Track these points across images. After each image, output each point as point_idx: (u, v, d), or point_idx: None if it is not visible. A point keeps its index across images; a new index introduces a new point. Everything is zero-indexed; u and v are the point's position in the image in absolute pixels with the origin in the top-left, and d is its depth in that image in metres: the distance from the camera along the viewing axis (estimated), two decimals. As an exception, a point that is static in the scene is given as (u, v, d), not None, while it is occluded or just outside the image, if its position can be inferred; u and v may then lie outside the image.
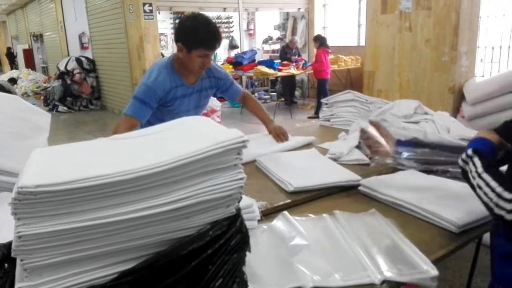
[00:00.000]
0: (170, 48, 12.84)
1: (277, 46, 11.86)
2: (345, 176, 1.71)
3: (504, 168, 1.13)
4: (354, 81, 8.72)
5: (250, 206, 1.25)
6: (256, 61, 8.83)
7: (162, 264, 0.81)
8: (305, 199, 1.57)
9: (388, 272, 1.05)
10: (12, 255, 0.76)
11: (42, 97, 10.55)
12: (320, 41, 7.64)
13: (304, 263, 1.09)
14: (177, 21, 12.38)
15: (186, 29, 1.91)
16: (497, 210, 0.96)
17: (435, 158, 1.48)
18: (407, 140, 1.45)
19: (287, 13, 11.04)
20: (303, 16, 10.27)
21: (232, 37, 12.84)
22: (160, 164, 0.80)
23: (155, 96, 1.95)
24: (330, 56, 7.87)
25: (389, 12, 4.35)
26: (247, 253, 0.92)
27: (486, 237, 2.00)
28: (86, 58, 10.04)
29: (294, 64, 8.53)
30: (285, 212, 1.37)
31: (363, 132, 1.52)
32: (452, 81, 3.96)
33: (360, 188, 1.62)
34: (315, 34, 8.48)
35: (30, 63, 15.42)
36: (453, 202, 1.37)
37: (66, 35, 10.41)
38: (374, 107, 2.52)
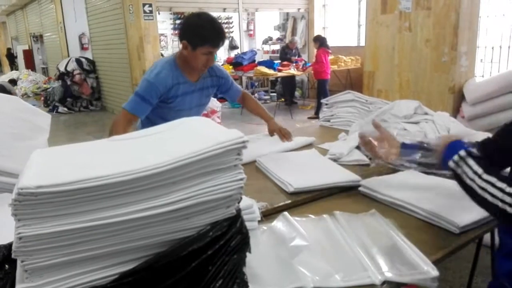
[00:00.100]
0: (170, 49, 12.86)
1: (277, 47, 11.87)
2: (345, 176, 1.71)
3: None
4: (354, 81, 8.73)
5: (250, 207, 1.25)
6: (256, 62, 8.84)
7: (162, 265, 0.81)
8: (305, 200, 1.57)
9: (388, 273, 1.05)
10: (13, 256, 0.76)
11: (42, 98, 10.56)
12: (320, 41, 7.65)
13: (305, 264, 1.09)
14: (177, 21, 12.51)
15: (192, 26, 1.94)
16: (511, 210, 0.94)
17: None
18: (413, 143, 1.43)
19: (287, 14, 11.05)
20: (303, 16, 10.27)
21: (232, 37, 12.85)
22: (160, 164, 0.80)
23: (156, 92, 1.96)
24: (330, 57, 7.87)
25: (389, 12, 4.36)
26: (247, 253, 0.92)
27: (487, 237, 2.01)
28: (86, 59, 10.05)
29: (294, 64, 8.53)
30: (285, 213, 1.37)
31: (362, 137, 1.50)
32: (452, 81, 3.96)
33: (360, 188, 1.62)
34: (315, 34, 8.49)
35: (30, 64, 15.43)
36: (454, 202, 1.37)
37: (66, 36, 10.42)
38: (374, 107, 2.52)
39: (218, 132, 0.94)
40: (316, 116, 7.10)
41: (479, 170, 1.03)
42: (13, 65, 17.92)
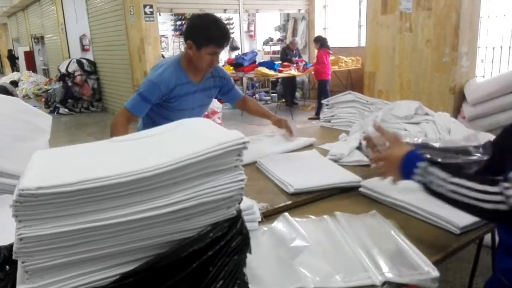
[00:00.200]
0: (171, 50, 12.86)
1: (277, 47, 11.88)
2: (345, 177, 1.71)
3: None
4: (354, 82, 8.73)
5: (251, 208, 1.25)
6: (256, 62, 8.85)
7: (163, 266, 0.81)
8: (306, 201, 1.57)
9: (389, 273, 1.05)
10: (14, 257, 0.76)
11: (43, 99, 10.58)
12: (321, 42, 7.65)
13: (305, 265, 1.09)
14: (178, 22, 12.51)
15: (197, 26, 1.97)
16: (489, 206, 0.95)
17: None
18: (417, 144, 1.42)
19: (288, 14, 11.05)
20: (303, 17, 10.28)
21: (233, 38, 12.86)
22: (161, 165, 0.80)
23: (159, 92, 1.98)
24: (331, 57, 7.87)
25: (389, 13, 4.36)
26: (248, 254, 0.92)
27: (487, 238, 2.01)
28: (87, 60, 10.07)
29: (294, 65, 8.54)
30: (286, 214, 1.37)
31: (368, 139, 1.50)
32: (453, 81, 3.96)
33: (360, 189, 1.62)
34: (316, 35, 8.49)
35: (31, 65, 15.45)
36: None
37: (67, 37, 10.43)
38: (374, 108, 2.52)
39: (218, 133, 0.94)
40: (317, 116, 7.10)
41: (445, 175, 1.03)
42: (14, 67, 17.95)
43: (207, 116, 5.17)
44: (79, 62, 9.83)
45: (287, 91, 9.30)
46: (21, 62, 16.37)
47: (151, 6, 7.46)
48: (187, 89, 2.07)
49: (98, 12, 9.39)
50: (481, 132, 2.14)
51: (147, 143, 0.97)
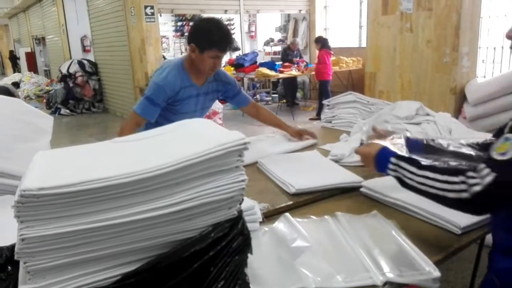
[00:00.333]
0: (171, 51, 12.88)
1: (278, 48, 11.88)
2: (347, 177, 1.71)
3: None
4: (355, 82, 8.73)
5: (252, 208, 1.26)
6: (257, 63, 8.85)
7: (165, 266, 0.81)
8: (307, 201, 1.57)
9: (390, 274, 1.05)
10: (16, 257, 0.76)
11: (44, 100, 10.60)
12: (322, 42, 7.65)
13: (306, 265, 1.09)
14: (178, 23, 12.52)
15: (200, 30, 1.98)
16: (453, 195, 0.98)
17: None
18: (418, 140, 1.44)
19: (288, 15, 11.06)
20: (304, 17, 10.28)
21: (234, 39, 12.87)
22: (162, 166, 0.80)
23: (164, 95, 1.99)
24: (332, 58, 7.87)
25: (390, 13, 4.36)
26: (249, 255, 0.92)
27: (488, 238, 2.00)
28: (88, 61, 10.08)
29: (295, 65, 8.54)
30: (287, 214, 1.37)
31: (374, 130, 1.53)
32: (454, 82, 3.96)
33: (362, 189, 1.62)
34: (316, 35, 8.49)
35: (32, 66, 15.48)
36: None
37: (68, 38, 10.45)
38: (375, 108, 2.53)
39: (219, 134, 0.94)
40: (318, 117, 7.09)
41: (414, 169, 1.09)
42: (16, 68, 17.98)
43: (208, 117, 5.17)
44: (80, 63, 9.84)
45: (288, 92, 9.30)
46: (23, 63, 16.40)
47: (152, 7, 7.47)
48: (190, 92, 2.08)
49: (99, 13, 9.40)
50: (482, 133, 2.14)
51: (149, 144, 0.98)
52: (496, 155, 0.91)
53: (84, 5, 9.96)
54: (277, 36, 12.35)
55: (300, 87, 10.07)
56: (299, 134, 2.30)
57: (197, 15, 11.53)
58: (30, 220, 0.75)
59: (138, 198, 0.80)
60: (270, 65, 8.62)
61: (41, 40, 14.60)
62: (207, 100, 2.21)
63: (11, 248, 0.91)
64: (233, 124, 7.33)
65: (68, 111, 9.75)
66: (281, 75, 8.32)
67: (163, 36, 11.78)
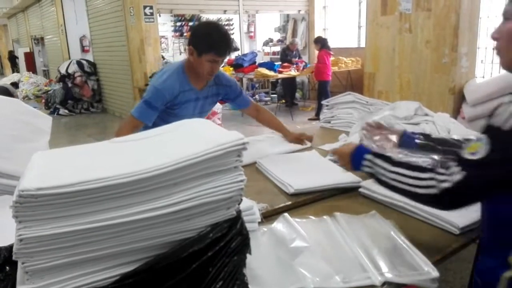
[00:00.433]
0: (170, 51, 12.87)
1: (277, 48, 11.88)
2: (345, 178, 1.71)
3: None
4: (354, 82, 8.73)
5: (251, 208, 1.26)
6: (256, 63, 8.84)
7: (163, 266, 0.81)
8: (306, 201, 1.57)
9: (388, 274, 1.06)
10: (14, 258, 0.76)
11: (43, 100, 10.58)
12: (321, 43, 7.64)
13: (305, 265, 1.09)
14: (178, 23, 12.51)
15: (199, 33, 1.98)
16: (422, 191, 1.00)
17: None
18: (415, 133, 1.47)
19: (288, 15, 11.06)
20: (303, 18, 10.28)
21: (233, 39, 12.86)
22: (161, 166, 0.80)
23: (163, 99, 1.98)
24: (331, 58, 7.87)
25: (389, 14, 4.36)
26: (248, 255, 0.93)
27: (487, 238, 2.00)
28: (87, 61, 10.06)
29: (294, 66, 8.54)
30: (286, 214, 1.37)
31: (369, 125, 1.55)
32: (453, 82, 3.97)
33: (360, 190, 1.62)
34: (316, 36, 8.47)
35: (31, 66, 15.45)
36: (454, 203, 1.37)
37: (67, 38, 10.43)
38: (374, 108, 2.53)
39: (218, 134, 0.94)
40: (317, 117, 7.09)
41: (386, 165, 1.11)
42: (15, 68, 17.95)
43: (207, 117, 5.17)
44: (79, 63, 9.83)
45: (287, 92, 9.31)
46: (21, 63, 16.37)
47: (151, 7, 7.46)
48: (189, 96, 2.06)
49: (98, 13, 9.39)
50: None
51: (147, 144, 0.98)
52: (467, 155, 0.93)
53: (83, 5, 9.95)
54: (276, 36, 12.35)
55: (299, 87, 10.07)
56: (298, 140, 2.29)
57: (196, 15, 11.56)
58: (29, 220, 0.75)
59: (136, 198, 0.80)
60: (269, 65, 8.62)
61: (39, 40, 14.58)
62: (206, 104, 2.20)
63: (9, 248, 0.90)
64: (232, 124, 7.33)
65: (66, 111, 9.73)
66: (280, 76, 8.32)
67: (162, 36, 11.77)
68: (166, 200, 0.82)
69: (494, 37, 1.07)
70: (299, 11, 9.98)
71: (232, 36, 2.54)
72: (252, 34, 13.79)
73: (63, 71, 9.77)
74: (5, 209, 0.80)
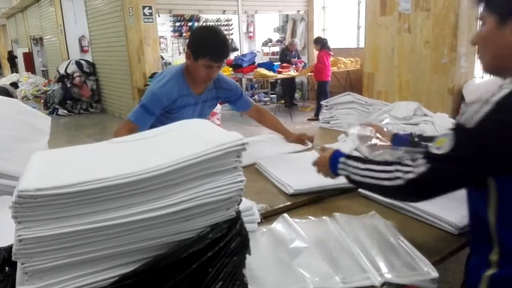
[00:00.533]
0: (170, 51, 12.86)
1: (276, 49, 11.89)
2: (345, 178, 1.71)
3: None
4: (353, 82, 8.74)
5: (250, 209, 1.26)
6: (255, 64, 8.84)
7: (162, 267, 0.81)
8: (305, 202, 1.57)
9: (388, 274, 1.06)
10: (13, 258, 0.76)
11: (42, 101, 10.57)
12: (321, 43, 7.64)
13: (304, 266, 1.09)
14: (177, 24, 12.50)
15: (196, 37, 1.96)
16: (388, 183, 1.03)
17: None
18: (405, 134, 1.50)
19: (287, 16, 11.06)
20: (302, 18, 10.29)
21: (232, 39, 12.87)
22: (161, 167, 0.80)
23: (160, 104, 1.96)
24: (331, 58, 7.87)
25: (388, 14, 4.37)
26: (247, 255, 0.92)
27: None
28: (86, 61, 10.06)
29: (293, 66, 8.54)
30: (285, 215, 1.37)
31: (361, 137, 1.60)
32: (452, 82, 3.97)
33: (360, 190, 1.62)
34: (315, 36, 8.47)
35: (30, 67, 15.44)
36: (453, 203, 1.37)
37: (66, 39, 10.43)
38: (373, 109, 2.53)
39: (218, 134, 0.94)
40: (316, 118, 7.09)
41: (358, 164, 1.16)
42: (14, 68, 17.93)
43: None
44: (78, 63, 9.82)
45: (286, 92, 9.31)
46: (20, 64, 16.36)
47: (150, 7, 7.46)
48: (188, 100, 2.05)
49: (97, 13, 9.39)
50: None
51: (146, 145, 0.98)
52: (433, 148, 0.97)
53: (82, 5, 9.94)
54: (275, 36, 12.35)
55: (299, 88, 10.07)
56: (299, 140, 2.29)
57: (195, 15, 11.55)
58: (28, 221, 0.74)
59: (136, 198, 0.80)
60: (269, 66, 8.61)
61: (38, 41, 14.57)
62: (205, 108, 2.18)
63: (9, 249, 0.90)
64: (231, 124, 7.32)
65: (65, 111, 9.72)
66: (279, 76, 8.32)
67: (161, 37, 11.75)
68: (165, 201, 0.82)
69: (473, 42, 1.09)
70: (298, 11, 9.98)
71: (230, 41, 2.54)
72: (251, 34, 13.79)
73: (62, 71, 9.77)
74: (5, 210, 0.80)
